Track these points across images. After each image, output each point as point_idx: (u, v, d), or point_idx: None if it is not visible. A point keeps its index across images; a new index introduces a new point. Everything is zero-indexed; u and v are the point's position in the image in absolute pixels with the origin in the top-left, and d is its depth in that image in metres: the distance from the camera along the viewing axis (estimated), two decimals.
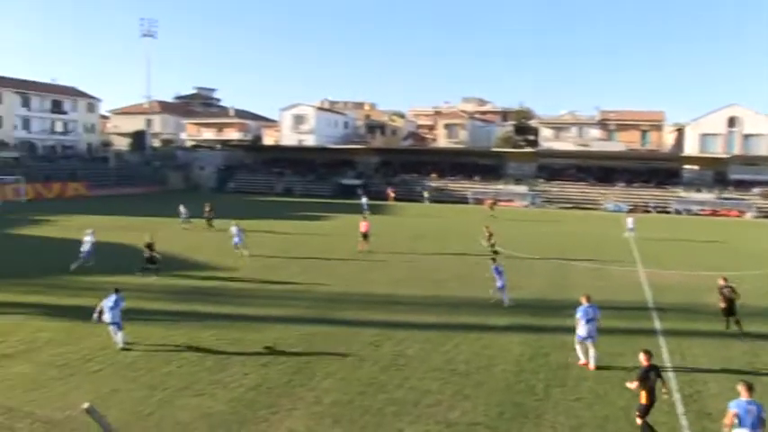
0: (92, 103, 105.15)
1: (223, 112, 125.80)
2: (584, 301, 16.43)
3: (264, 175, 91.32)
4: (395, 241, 39.18)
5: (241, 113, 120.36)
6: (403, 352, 17.26)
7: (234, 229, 33.15)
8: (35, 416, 11.15)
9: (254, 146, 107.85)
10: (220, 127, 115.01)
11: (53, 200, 68.71)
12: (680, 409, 13.59)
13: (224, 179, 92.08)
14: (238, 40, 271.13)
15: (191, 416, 12.78)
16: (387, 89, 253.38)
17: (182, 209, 45.13)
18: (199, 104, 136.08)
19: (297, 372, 15.45)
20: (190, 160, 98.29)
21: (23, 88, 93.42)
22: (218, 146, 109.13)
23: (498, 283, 22.58)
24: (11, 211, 54.98)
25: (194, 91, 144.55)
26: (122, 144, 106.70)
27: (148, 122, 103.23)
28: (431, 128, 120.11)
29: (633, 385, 12.31)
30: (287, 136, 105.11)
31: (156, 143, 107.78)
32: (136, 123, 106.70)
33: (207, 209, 44.79)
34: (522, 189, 78.93)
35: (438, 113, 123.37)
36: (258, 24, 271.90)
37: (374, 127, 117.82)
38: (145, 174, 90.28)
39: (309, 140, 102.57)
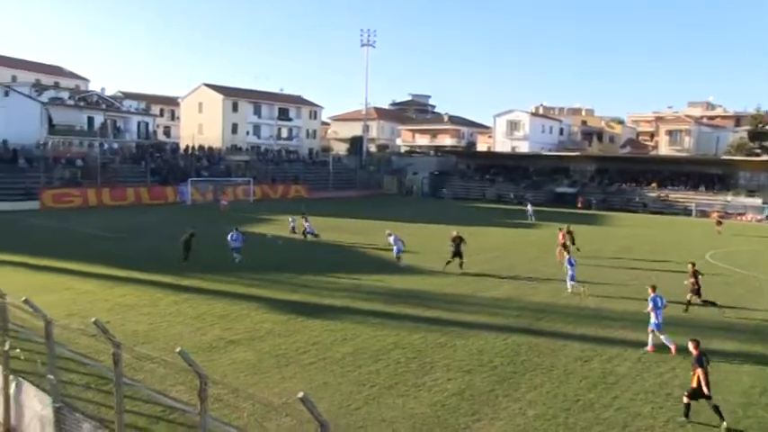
0: (314, 110, 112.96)
1: (437, 118, 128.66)
2: (650, 291, 18.91)
3: (477, 182, 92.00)
4: (608, 253, 37.55)
5: (455, 120, 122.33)
6: (613, 370, 16.52)
7: (391, 239, 32.57)
8: (256, 398, 12.22)
9: (468, 152, 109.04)
10: (434, 133, 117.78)
11: (277, 200, 74.64)
12: None
13: (437, 185, 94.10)
14: (454, 47, 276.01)
15: (394, 415, 13.27)
16: (605, 94, 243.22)
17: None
18: (414, 111, 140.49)
19: (501, 381, 15.42)
20: (404, 165, 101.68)
21: (256, 98, 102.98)
22: (432, 152, 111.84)
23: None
24: (240, 209, 60.53)
25: (409, 98, 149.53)
26: (341, 149, 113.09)
27: (365, 128, 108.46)
28: (651, 135, 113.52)
29: (698, 372, 13.17)
30: (500, 142, 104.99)
31: (373, 148, 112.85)
32: (354, 129, 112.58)
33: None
34: (756, 201, 71.70)
35: (660, 119, 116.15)
36: (473, 31, 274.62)
37: (590, 133, 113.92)
38: (361, 178, 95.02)
39: (523, 147, 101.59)
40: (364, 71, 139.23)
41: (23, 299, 11.10)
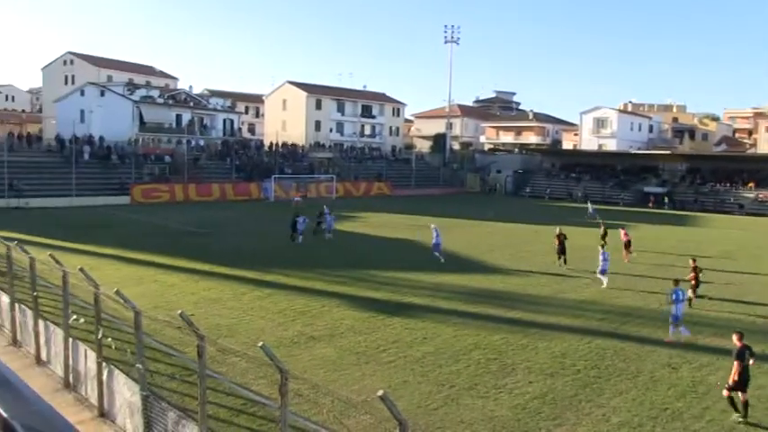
0: (397, 107, 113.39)
1: (522, 115, 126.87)
2: (673, 285, 19.78)
3: (562, 180, 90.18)
4: (705, 256, 36.08)
5: (540, 117, 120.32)
6: (704, 379, 15.86)
7: (434, 232, 32.79)
8: (336, 395, 12.35)
9: (552, 150, 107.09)
10: (519, 130, 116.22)
11: (359, 198, 75.31)
12: None
13: (520, 183, 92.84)
14: (540, 43, 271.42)
15: (474, 416, 13.16)
16: (699, 89, 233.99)
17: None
18: (498, 108, 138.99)
19: (584, 386, 15.06)
20: (487, 163, 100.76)
21: (339, 95, 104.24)
22: (516, 149, 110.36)
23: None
24: (318, 206, 61.31)
25: (494, 95, 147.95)
26: (424, 147, 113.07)
27: (449, 126, 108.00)
28: (750, 132, 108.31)
29: (734, 369, 13.45)
30: (586, 140, 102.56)
31: (456, 146, 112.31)
32: (437, 127, 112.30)
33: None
34: None
35: (759, 114, 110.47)
36: (560, 26, 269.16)
37: (682, 131, 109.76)
38: (444, 176, 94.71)
39: (610, 145, 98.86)
40: (448, 68, 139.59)
41: (115, 290, 11.59)
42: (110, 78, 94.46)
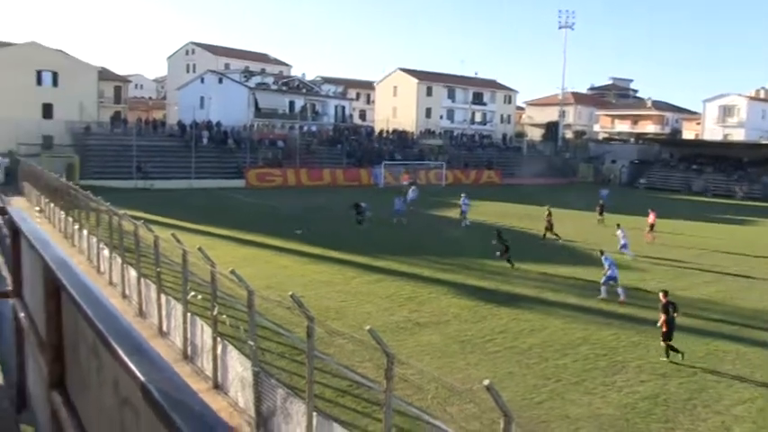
0: (509, 94, 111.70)
1: (639, 103, 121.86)
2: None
3: (681, 172, 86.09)
4: None
5: (658, 105, 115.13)
6: None
7: (463, 201, 38.84)
8: (440, 382, 12.39)
9: (672, 140, 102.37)
10: (635, 119, 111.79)
11: (468, 186, 74.71)
12: None
13: (636, 174, 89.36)
14: (659, 28, 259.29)
15: (579, 413, 12.87)
16: None
17: None
18: (613, 96, 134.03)
19: (700, 390, 14.36)
20: (601, 153, 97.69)
21: (450, 82, 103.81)
22: (632, 139, 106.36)
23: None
24: (433, 194, 61.44)
25: (609, 82, 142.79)
26: (535, 135, 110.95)
27: (562, 114, 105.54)
28: None
29: (661, 320, 16.63)
30: (710, 129, 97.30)
31: (569, 134, 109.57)
32: (549, 114, 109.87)
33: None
34: None
35: None
36: (682, 9, 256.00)
37: None
38: (555, 165, 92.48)
39: (738, 135, 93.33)
40: (562, 54, 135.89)
41: (230, 270, 12.09)
42: (227, 66, 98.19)
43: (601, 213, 43.17)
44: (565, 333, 18.19)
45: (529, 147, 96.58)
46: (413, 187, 50.23)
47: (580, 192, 62.85)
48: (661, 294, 17.25)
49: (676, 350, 16.26)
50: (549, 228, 35.54)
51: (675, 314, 16.85)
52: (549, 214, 36.32)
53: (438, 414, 12.14)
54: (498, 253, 27.40)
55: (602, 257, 23.46)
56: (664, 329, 16.47)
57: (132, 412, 1.72)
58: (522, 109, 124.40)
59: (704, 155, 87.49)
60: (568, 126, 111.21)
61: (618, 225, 32.10)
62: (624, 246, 30.35)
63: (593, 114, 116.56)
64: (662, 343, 16.50)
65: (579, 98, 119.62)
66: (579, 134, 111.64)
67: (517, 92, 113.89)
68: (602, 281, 22.82)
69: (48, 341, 2.84)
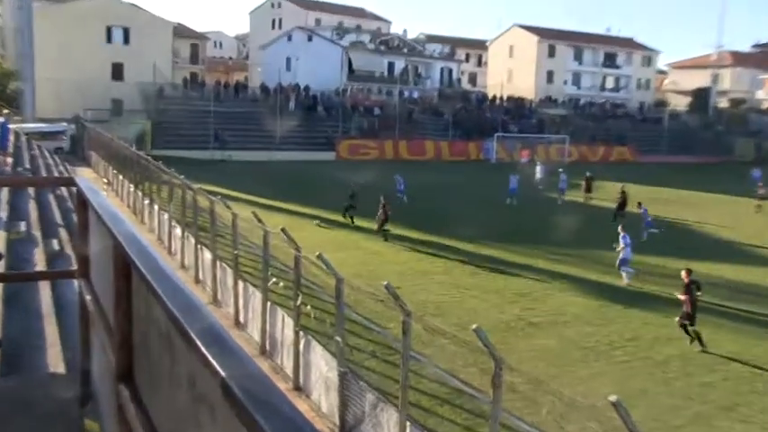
0: (648, 56, 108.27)
1: None
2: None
3: None
4: None
5: None
6: None
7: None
8: (557, 394, 12.21)
9: None
10: None
11: (595, 163, 73.00)
12: None
13: None
14: None
15: None
16: None
17: None
18: None
19: None
20: (765, 126, 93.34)
21: (576, 41, 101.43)
22: None
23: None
24: (553, 173, 60.47)
25: None
26: (680, 104, 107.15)
27: (715, 78, 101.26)
28: None
29: (682, 297, 17.59)
30: None
31: (723, 103, 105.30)
32: (699, 79, 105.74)
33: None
34: None
35: None
36: None
37: None
38: (704, 140, 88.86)
39: None
40: (718, 5, 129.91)
41: (317, 254, 12.27)
42: (318, 22, 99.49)
43: (762, 199, 42.42)
44: (712, 344, 17.51)
45: (671, 118, 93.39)
46: (539, 166, 49.77)
47: (735, 173, 60.14)
48: (684, 273, 18.15)
49: (699, 337, 16.99)
50: (621, 205, 35.86)
51: (699, 293, 17.70)
52: (624, 192, 36.62)
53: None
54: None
55: (620, 236, 24.18)
56: (687, 310, 17.29)
57: (208, 411, 1.76)
58: (664, 73, 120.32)
59: None
60: (723, 93, 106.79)
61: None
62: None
63: (756, 79, 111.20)
64: (681, 326, 17.37)
65: (739, 58, 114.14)
66: (737, 103, 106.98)
67: (659, 52, 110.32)
68: (617, 264, 23.77)
69: (116, 327, 2.94)
